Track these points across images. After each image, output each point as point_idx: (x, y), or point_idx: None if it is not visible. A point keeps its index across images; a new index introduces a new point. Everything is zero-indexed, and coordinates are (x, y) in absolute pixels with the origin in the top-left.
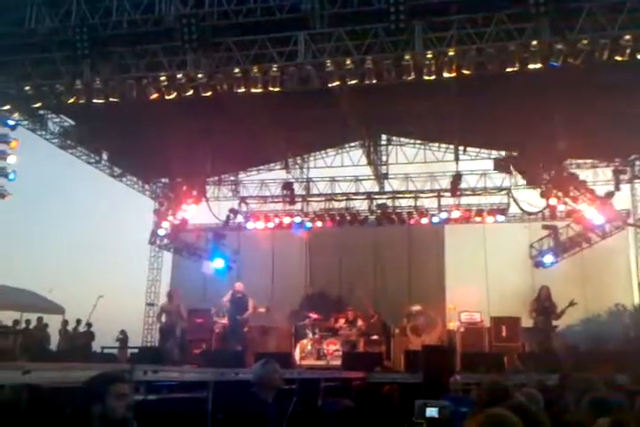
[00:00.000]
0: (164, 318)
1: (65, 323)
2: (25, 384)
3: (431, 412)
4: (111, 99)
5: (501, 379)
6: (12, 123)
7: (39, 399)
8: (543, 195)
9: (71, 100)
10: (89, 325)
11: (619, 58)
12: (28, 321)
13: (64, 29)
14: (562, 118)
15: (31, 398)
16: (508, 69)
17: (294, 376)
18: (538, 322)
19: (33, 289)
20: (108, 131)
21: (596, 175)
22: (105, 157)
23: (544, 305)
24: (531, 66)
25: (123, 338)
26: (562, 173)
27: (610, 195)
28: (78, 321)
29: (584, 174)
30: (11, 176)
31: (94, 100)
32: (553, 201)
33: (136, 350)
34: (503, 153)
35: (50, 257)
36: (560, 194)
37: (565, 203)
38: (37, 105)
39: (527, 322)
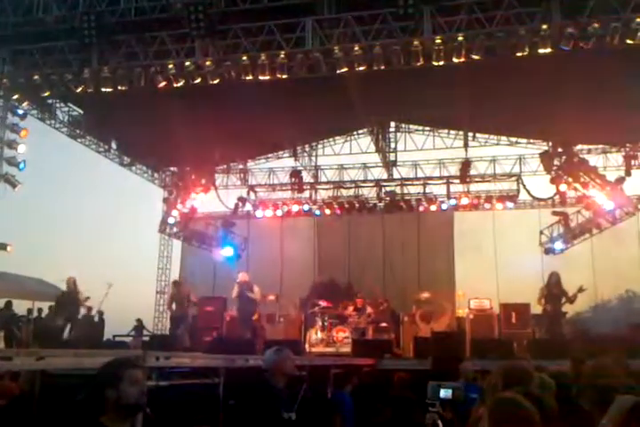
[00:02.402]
0: (174, 307)
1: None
2: (39, 371)
3: (445, 393)
4: (119, 87)
5: (521, 363)
6: (21, 112)
7: (52, 386)
8: (553, 181)
9: (80, 89)
10: (100, 313)
11: (630, 41)
12: (40, 310)
13: (71, 18)
14: (572, 103)
15: (44, 384)
16: (518, 54)
17: (304, 363)
18: (547, 309)
19: (44, 278)
20: (117, 119)
21: (607, 161)
22: (114, 145)
23: (553, 292)
24: (541, 50)
25: (138, 326)
26: (572, 159)
27: (620, 180)
28: (88, 309)
29: (594, 160)
30: (21, 166)
31: (103, 89)
32: (563, 187)
33: (147, 338)
34: (514, 139)
35: (60, 246)
36: (570, 180)
37: (575, 189)
38: (46, 94)
39: (537, 309)
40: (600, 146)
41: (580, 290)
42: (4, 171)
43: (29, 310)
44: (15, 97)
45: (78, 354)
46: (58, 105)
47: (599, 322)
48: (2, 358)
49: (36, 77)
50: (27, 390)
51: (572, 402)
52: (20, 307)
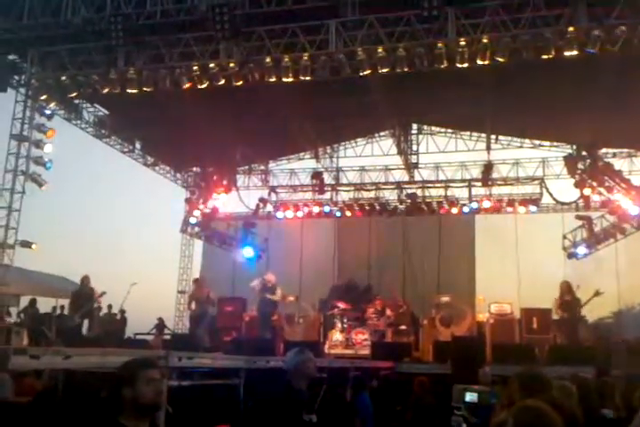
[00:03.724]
0: (193, 306)
1: (98, 309)
2: (62, 369)
3: (470, 397)
4: (145, 88)
5: (539, 370)
6: (48, 112)
7: (74, 384)
8: (577, 185)
9: (106, 90)
10: (122, 311)
11: None
12: (62, 307)
13: (99, 20)
14: (597, 106)
15: (67, 382)
16: (544, 56)
17: (324, 365)
18: (564, 316)
19: (67, 276)
20: (142, 120)
21: (632, 164)
22: (138, 146)
23: (566, 299)
24: (566, 53)
25: (159, 324)
26: (597, 163)
27: None
28: (109, 307)
29: (619, 164)
30: (48, 165)
31: (128, 90)
32: (587, 191)
33: (168, 337)
34: (537, 142)
35: (83, 245)
36: (594, 184)
37: (600, 193)
38: (73, 95)
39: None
40: (625, 150)
41: (597, 294)
42: (31, 170)
43: (54, 308)
44: (43, 97)
45: (105, 353)
46: (84, 105)
47: (623, 328)
48: (30, 356)
49: (63, 78)
50: (50, 387)
51: (595, 410)
52: (44, 305)
